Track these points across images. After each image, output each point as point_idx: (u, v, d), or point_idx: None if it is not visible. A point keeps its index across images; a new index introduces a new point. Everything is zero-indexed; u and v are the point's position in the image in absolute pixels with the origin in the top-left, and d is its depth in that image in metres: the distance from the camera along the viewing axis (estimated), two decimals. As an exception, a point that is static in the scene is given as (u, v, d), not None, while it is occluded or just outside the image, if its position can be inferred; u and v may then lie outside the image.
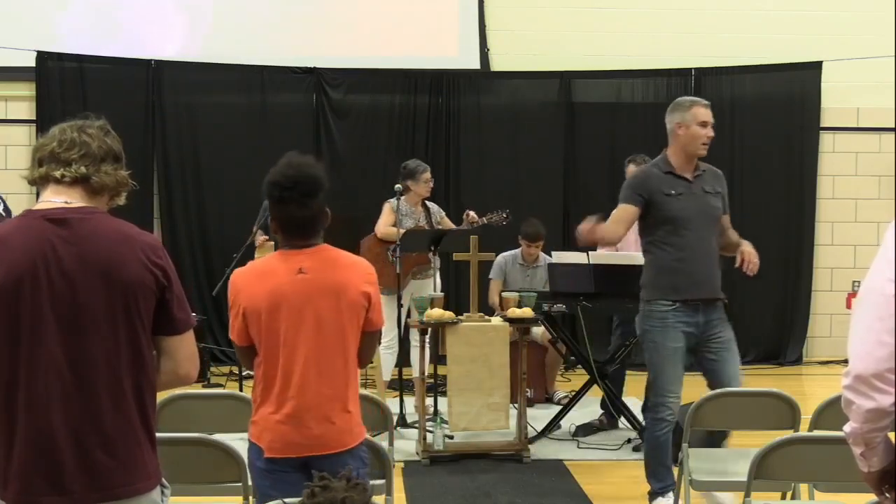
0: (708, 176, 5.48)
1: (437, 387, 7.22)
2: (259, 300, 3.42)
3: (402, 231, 7.32)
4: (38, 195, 2.81)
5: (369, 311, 3.52)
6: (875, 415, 2.45)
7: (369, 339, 3.58)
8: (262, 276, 3.48)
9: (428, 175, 7.73)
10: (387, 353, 7.48)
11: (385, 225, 7.63)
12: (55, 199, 2.73)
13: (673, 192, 5.40)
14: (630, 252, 7.20)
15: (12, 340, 2.63)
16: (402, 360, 7.61)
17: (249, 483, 3.86)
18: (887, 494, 2.59)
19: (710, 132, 5.37)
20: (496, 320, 6.58)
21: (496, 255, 7.95)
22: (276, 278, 3.44)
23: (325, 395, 3.43)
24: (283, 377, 3.43)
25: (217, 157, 9.93)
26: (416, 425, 6.70)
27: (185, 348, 2.79)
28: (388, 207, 7.67)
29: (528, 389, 6.97)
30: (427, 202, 7.82)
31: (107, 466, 2.67)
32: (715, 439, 6.15)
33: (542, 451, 6.73)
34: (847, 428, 2.53)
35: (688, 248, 5.36)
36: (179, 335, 2.78)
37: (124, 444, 2.70)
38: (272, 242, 8.34)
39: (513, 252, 8.27)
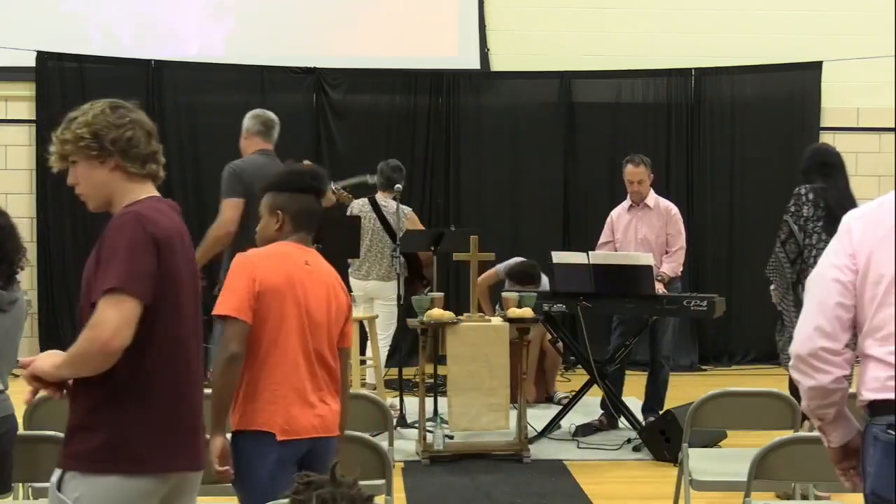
0: None
1: (437, 387, 7.21)
2: (277, 278, 3.47)
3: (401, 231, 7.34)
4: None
5: (346, 325, 3.64)
6: (817, 392, 2.64)
7: (344, 356, 3.68)
8: (277, 257, 3.54)
9: None
10: (384, 350, 7.54)
11: None
12: (153, 192, 2.95)
13: None
14: (630, 252, 7.20)
15: (183, 334, 2.94)
16: (402, 360, 7.59)
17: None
18: (850, 472, 2.72)
19: None
20: (496, 320, 6.58)
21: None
22: (290, 262, 3.53)
23: (324, 380, 3.54)
24: (290, 360, 3.47)
25: (217, 157, 9.87)
26: (416, 425, 6.70)
27: None
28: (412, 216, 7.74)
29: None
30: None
31: (204, 442, 3.08)
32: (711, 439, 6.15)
33: (542, 451, 6.72)
34: (802, 404, 2.73)
35: None
36: None
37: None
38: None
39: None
